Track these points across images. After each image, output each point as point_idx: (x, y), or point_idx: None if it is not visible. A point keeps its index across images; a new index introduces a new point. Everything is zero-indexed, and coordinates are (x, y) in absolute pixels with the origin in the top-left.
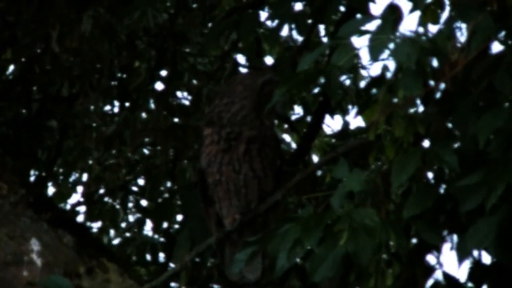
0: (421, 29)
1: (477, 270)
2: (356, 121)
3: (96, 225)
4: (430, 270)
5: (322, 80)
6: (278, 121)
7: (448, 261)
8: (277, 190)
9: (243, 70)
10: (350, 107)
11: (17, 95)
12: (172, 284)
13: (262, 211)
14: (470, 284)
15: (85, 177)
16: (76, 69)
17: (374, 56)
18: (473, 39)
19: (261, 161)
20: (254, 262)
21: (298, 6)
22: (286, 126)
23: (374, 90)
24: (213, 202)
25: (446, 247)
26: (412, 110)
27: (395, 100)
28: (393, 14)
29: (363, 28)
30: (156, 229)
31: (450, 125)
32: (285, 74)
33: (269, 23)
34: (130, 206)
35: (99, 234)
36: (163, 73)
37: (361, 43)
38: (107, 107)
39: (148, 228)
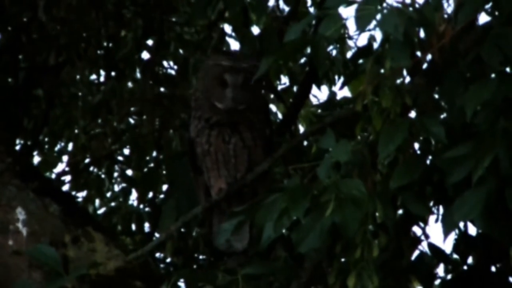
0: (408, 0)
1: (462, 241)
2: (342, 92)
3: (81, 195)
4: (416, 241)
5: (309, 51)
6: (264, 91)
7: (434, 232)
8: (264, 160)
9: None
10: (336, 77)
11: (4, 64)
12: (158, 254)
13: (248, 181)
14: (455, 256)
15: (71, 146)
16: (63, 38)
17: (361, 26)
18: (461, 12)
19: (251, 132)
20: (242, 231)
21: None
22: (272, 96)
23: (361, 61)
24: (202, 172)
25: (432, 218)
26: (399, 81)
27: (382, 71)
28: None
29: None
30: (142, 198)
31: (437, 96)
32: (272, 44)
33: None
34: (115, 175)
35: (84, 203)
36: (150, 42)
37: (348, 13)
38: (94, 77)
39: (133, 197)
